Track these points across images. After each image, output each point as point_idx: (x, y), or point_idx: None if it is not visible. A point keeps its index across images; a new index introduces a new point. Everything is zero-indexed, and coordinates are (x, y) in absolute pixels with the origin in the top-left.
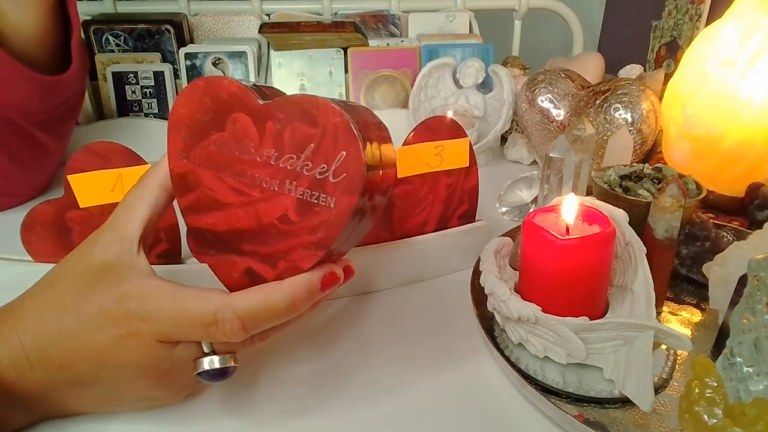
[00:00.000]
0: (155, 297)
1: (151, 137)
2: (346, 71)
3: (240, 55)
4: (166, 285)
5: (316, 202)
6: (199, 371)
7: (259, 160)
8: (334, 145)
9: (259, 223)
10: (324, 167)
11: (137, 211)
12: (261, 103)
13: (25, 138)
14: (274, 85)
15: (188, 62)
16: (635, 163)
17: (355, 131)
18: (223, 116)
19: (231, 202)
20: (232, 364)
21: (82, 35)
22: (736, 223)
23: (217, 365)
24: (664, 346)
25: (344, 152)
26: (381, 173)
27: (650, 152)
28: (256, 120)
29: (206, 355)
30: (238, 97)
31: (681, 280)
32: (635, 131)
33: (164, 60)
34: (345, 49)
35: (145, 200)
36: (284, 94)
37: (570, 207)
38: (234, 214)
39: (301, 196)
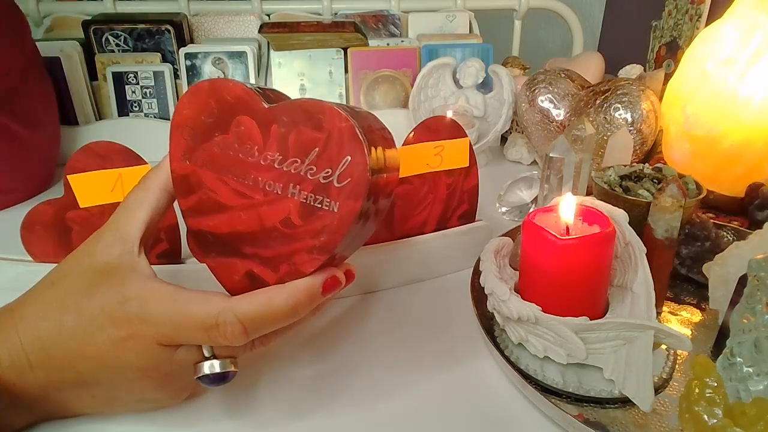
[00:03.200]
0: (156, 299)
1: (151, 137)
2: (346, 71)
3: (240, 55)
4: (168, 287)
5: (320, 206)
6: (200, 375)
7: (262, 163)
8: (339, 150)
9: (262, 226)
10: (328, 171)
11: (138, 213)
12: (266, 106)
13: None
14: (274, 85)
15: (188, 62)
16: (635, 163)
17: (360, 136)
18: (227, 119)
19: (233, 205)
20: (233, 368)
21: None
22: (736, 223)
23: (217, 369)
24: (664, 346)
25: (349, 157)
26: (385, 177)
27: (650, 152)
28: (261, 123)
29: (207, 359)
30: (243, 100)
31: (681, 280)
32: (635, 131)
33: (164, 60)
34: (345, 49)
35: (147, 202)
36: (288, 98)
37: (570, 207)
38: (236, 217)
39: (304, 200)
